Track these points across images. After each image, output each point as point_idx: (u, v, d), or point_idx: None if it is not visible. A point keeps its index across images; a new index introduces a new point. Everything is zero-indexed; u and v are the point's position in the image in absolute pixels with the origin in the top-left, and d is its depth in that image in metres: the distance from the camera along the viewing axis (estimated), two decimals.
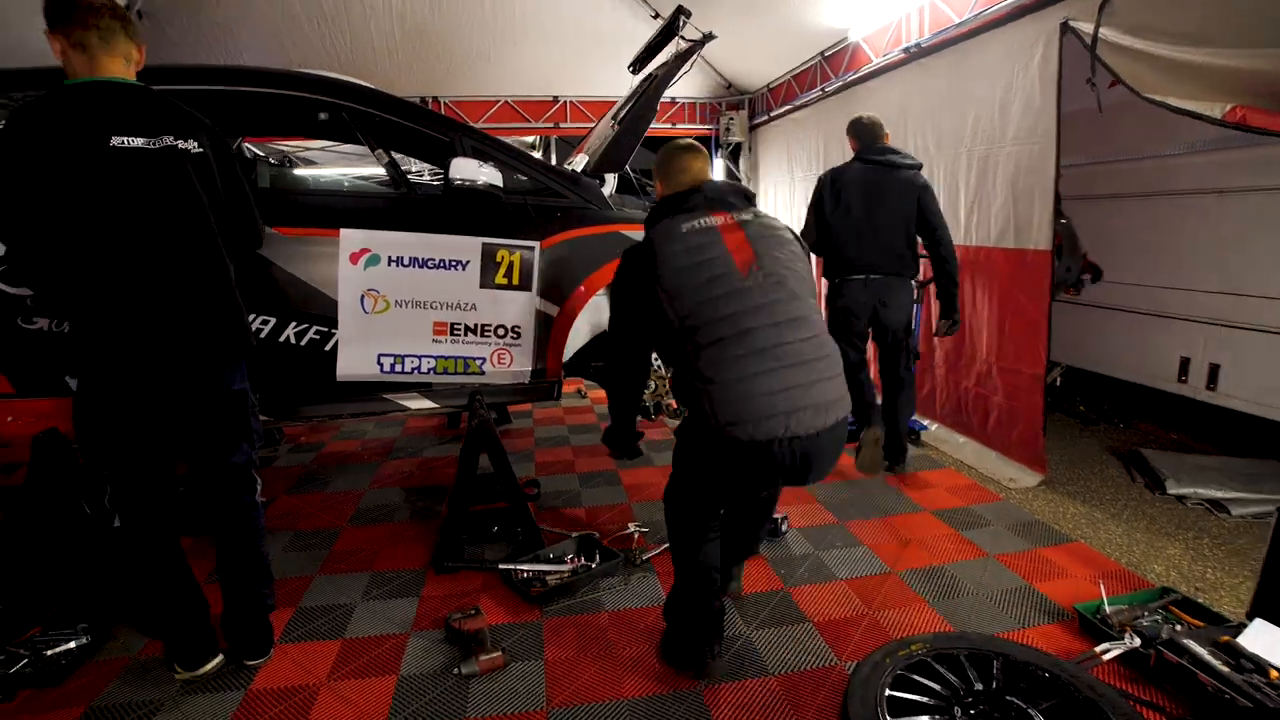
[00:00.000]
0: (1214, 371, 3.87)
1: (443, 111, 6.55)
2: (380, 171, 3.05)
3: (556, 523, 3.00)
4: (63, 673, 2.06)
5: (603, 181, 3.21)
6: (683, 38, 3.28)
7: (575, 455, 3.99)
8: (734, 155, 7.43)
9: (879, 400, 3.57)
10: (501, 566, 2.58)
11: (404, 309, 2.65)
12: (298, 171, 5.69)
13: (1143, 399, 4.45)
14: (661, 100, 3.27)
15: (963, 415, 3.98)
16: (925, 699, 1.77)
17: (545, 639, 2.21)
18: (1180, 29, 2.54)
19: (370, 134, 2.83)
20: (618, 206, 3.26)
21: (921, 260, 3.52)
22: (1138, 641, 1.97)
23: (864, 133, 3.42)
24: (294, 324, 2.61)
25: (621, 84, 3.89)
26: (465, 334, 2.76)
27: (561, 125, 7.05)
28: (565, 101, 6.95)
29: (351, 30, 5.41)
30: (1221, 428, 3.92)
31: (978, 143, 3.76)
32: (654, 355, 2.35)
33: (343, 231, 2.53)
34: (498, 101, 6.85)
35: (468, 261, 2.69)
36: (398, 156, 3.12)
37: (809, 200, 3.55)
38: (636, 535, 2.87)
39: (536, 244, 2.80)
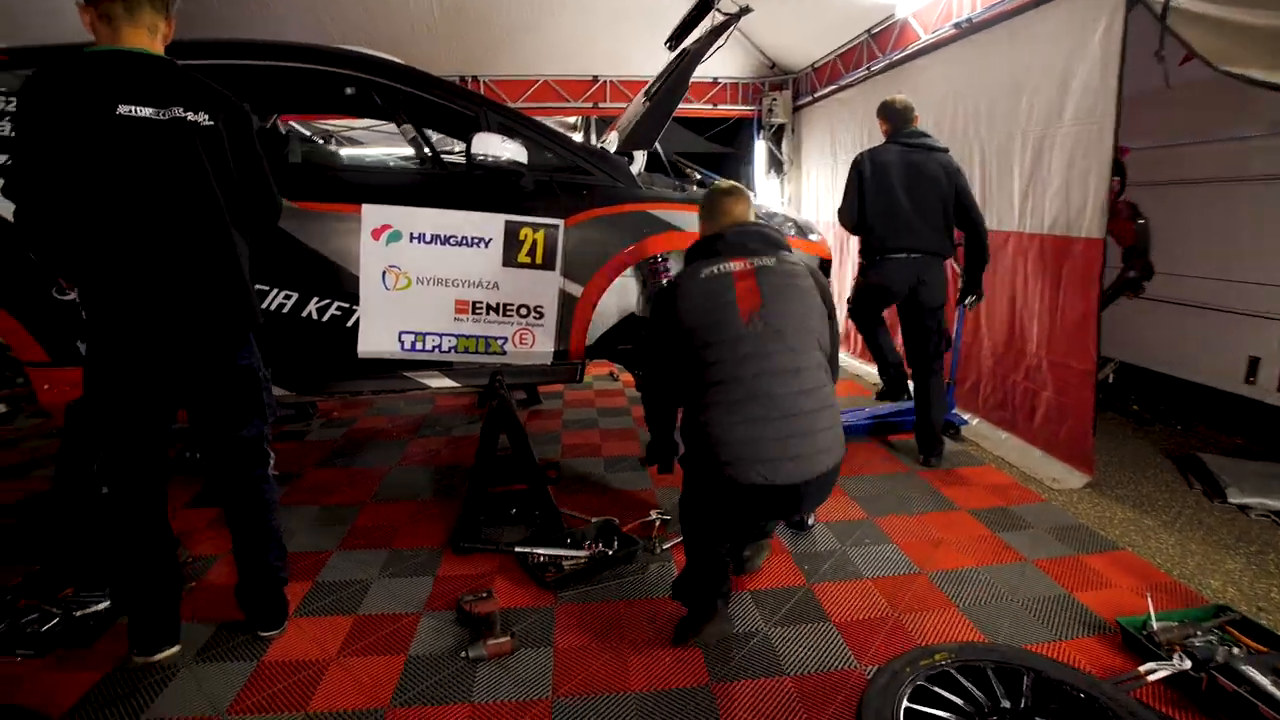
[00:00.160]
0: None
1: (481, 91, 6.52)
2: (426, 151, 3.03)
3: (577, 506, 2.95)
4: (91, 634, 2.11)
5: (631, 159, 3.12)
6: (719, 10, 3.17)
7: (603, 439, 3.94)
8: (776, 138, 7.22)
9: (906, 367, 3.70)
10: (517, 550, 2.55)
11: (425, 286, 2.63)
12: (336, 149, 5.75)
13: (1203, 400, 4.17)
14: (703, 80, 3.21)
15: (1007, 410, 3.79)
16: (946, 714, 1.65)
17: (557, 625, 2.18)
18: None
19: (396, 108, 2.80)
20: (647, 185, 3.18)
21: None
22: (1188, 664, 1.82)
23: (896, 116, 3.43)
24: (316, 299, 2.61)
25: (659, 62, 3.80)
26: (487, 313, 2.73)
27: (601, 105, 6.95)
28: (605, 81, 6.85)
29: (390, 7, 5.41)
30: None
31: (1033, 124, 3.55)
32: None
33: (364, 207, 2.52)
34: (537, 81, 6.78)
35: (490, 239, 2.65)
36: (435, 136, 3.10)
37: (845, 182, 3.46)
38: (658, 523, 2.81)
39: (561, 222, 2.74)
